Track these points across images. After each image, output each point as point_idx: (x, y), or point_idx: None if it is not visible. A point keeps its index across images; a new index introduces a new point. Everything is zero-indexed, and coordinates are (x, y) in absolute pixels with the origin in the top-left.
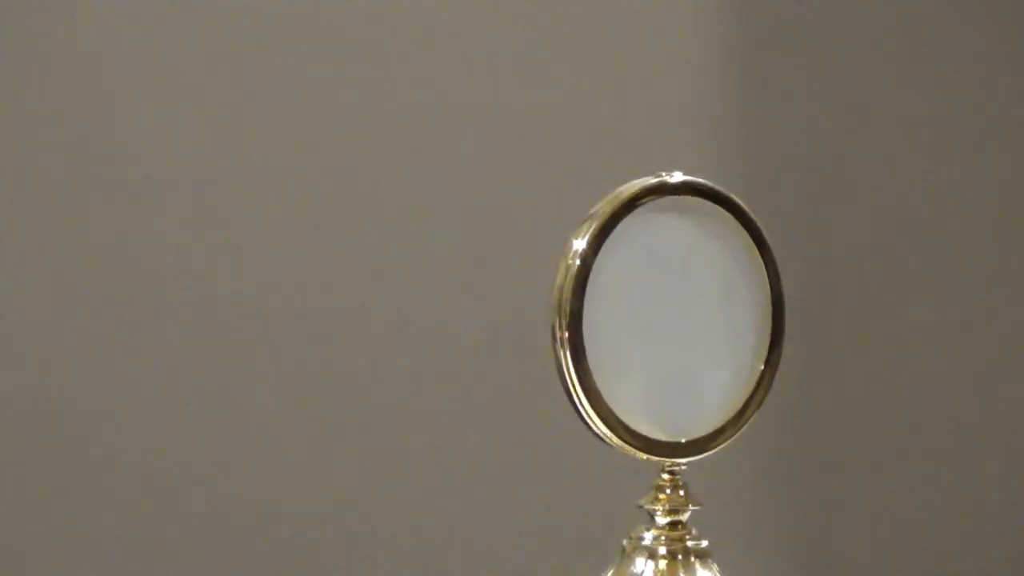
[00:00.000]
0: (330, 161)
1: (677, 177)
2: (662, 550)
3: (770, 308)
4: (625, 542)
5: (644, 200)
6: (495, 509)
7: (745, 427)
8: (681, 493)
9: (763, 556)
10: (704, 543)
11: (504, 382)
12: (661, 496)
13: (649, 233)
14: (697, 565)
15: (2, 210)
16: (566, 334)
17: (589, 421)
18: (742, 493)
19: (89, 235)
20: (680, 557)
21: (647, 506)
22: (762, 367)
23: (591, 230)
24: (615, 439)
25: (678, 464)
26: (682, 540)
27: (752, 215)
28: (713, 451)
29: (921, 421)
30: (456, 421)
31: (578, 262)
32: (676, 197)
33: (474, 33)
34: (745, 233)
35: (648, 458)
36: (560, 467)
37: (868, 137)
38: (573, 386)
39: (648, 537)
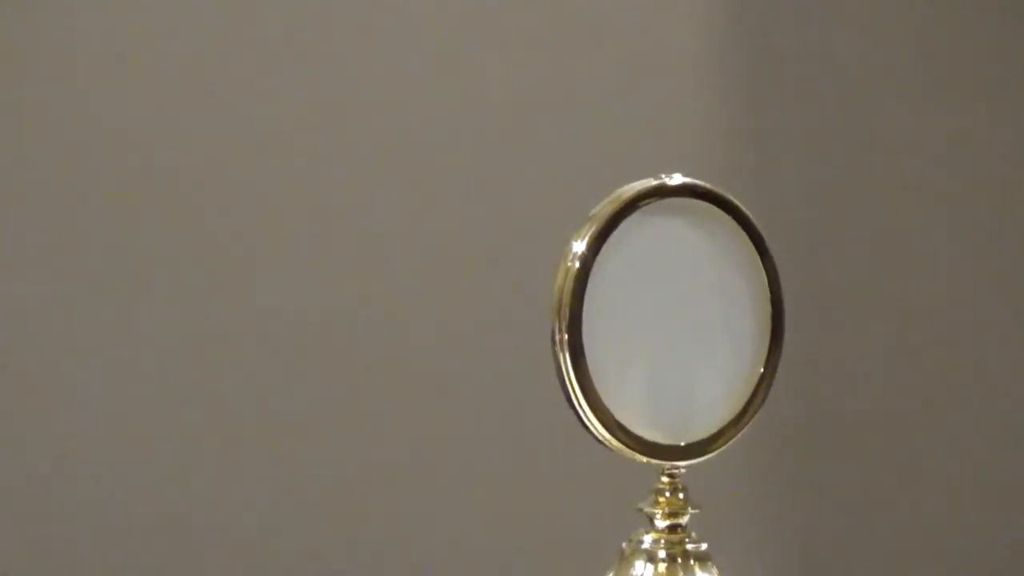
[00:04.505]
0: (330, 161)
1: (677, 179)
2: (661, 553)
3: (769, 310)
4: (624, 545)
5: (644, 202)
6: (494, 512)
7: (745, 430)
8: (680, 496)
9: (763, 559)
10: (703, 546)
11: (504, 384)
12: (661, 499)
13: (649, 235)
14: (696, 568)
15: (8, 210)
16: (566, 336)
17: (589, 424)
18: (742, 496)
19: (87, 235)
20: (679, 560)
21: (647, 509)
22: (761, 370)
23: (591, 232)
24: (614, 442)
25: (678, 467)
26: (681, 543)
27: (751, 217)
28: (713, 454)
29: (922, 422)
30: (455, 423)
31: (578, 264)
32: (676, 199)
33: (474, 33)
34: (744, 235)
35: (648, 461)
36: (559, 470)
37: (869, 138)
38: (573, 389)
39: (647, 540)
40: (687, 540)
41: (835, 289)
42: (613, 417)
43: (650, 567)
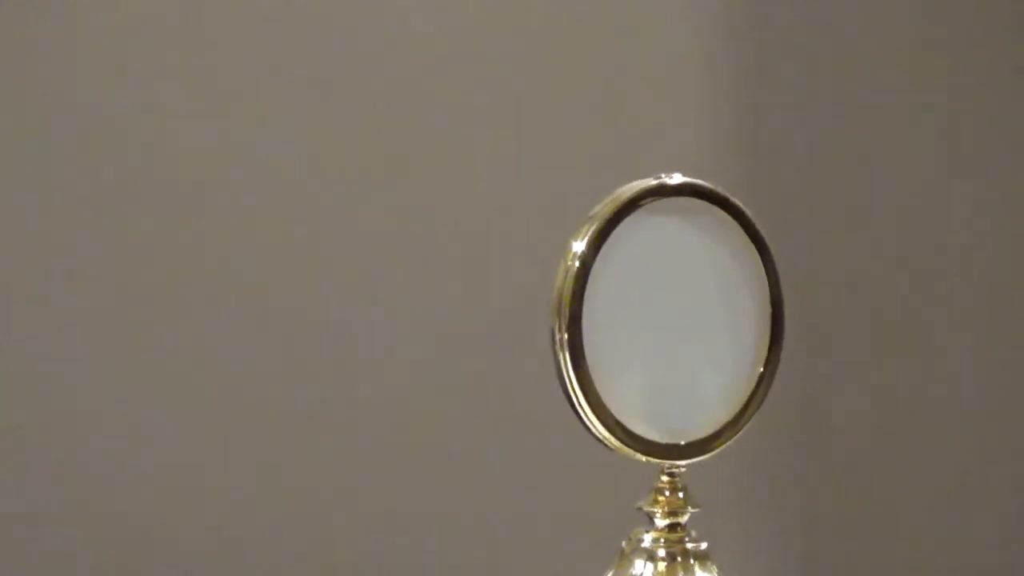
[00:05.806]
0: (330, 162)
1: (677, 179)
2: (661, 552)
3: (769, 309)
4: (624, 544)
5: (644, 202)
6: (495, 511)
7: (744, 429)
8: (680, 495)
9: (762, 558)
10: (703, 545)
11: (504, 384)
12: (660, 498)
13: (649, 235)
14: (696, 567)
15: (5, 211)
16: (565, 336)
17: (588, 423)
18: (741, 495)
19: (86, 236)
20: (679, 559)
21: (646, 508)
22: (761, 369)
23: (591, 232)
24: (614, 441)
25: (677, 466)
26: (681, 542)
27: (751, 217)
28: (712, 453)
29: (921, 421)
30: (455, 422)
31: (578, 264)
32: (676, 199)
33: (474, 33)
34: (744, 235)
35: (648, 460)
36: (559, 469)
37: (868, 137)
38: (572, 388)
39: (647, 539)
40: (687, 539)
41: (835, 289)
42: (613, 416)
43: (650, 566)
